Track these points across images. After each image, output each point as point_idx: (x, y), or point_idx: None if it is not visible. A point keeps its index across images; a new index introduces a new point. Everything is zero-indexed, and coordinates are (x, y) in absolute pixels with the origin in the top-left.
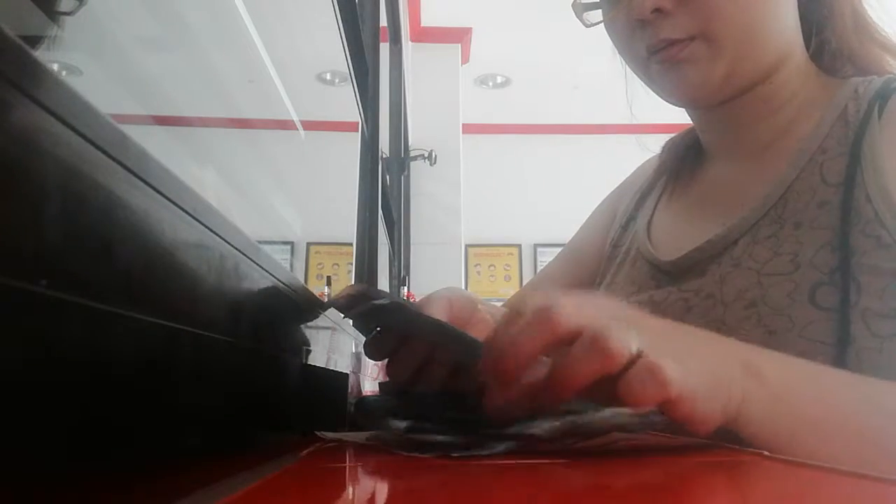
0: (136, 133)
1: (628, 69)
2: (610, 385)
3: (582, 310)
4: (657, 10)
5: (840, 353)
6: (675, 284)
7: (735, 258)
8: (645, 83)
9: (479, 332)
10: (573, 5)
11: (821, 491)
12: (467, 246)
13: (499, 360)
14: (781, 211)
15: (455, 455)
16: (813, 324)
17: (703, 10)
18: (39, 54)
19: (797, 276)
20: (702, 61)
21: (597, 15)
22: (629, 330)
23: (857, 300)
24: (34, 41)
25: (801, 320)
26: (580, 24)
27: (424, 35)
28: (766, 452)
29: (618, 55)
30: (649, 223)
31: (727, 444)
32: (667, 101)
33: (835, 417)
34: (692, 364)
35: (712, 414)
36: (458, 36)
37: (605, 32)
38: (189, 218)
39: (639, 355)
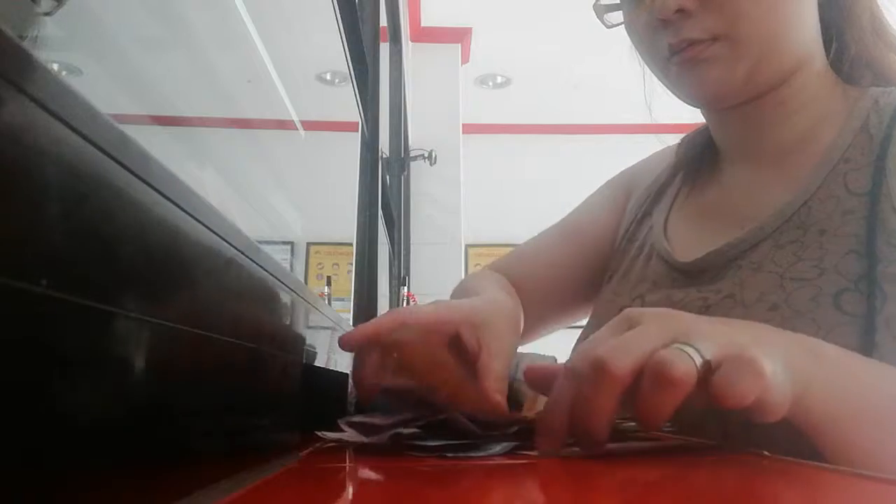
0: (132, 133)
1: (646, 69)
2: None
3: (631, 347)
4: (680, 11)
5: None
6: (694, 285)
7: (756, 262)
8: (663, 83)
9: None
10: (594, 6)
11: (821, 491)
12: (467, 246)
13: (576, 430)
14: (805, 217)
15: (451, 455)
16: (838, 328)
17: (728, 12)
18: (39, 54)
19: (821, 281)
20: (723, 62)
21: (618, 16)
22: (684, 348)
23: (881, 308)
24: (33, 40)
25: (826, 324)
26: (580, 23)
27: (424, 35)
28: (765, 452)
29: (635, 55)
30: (666, 222)
31: (727, 444)
32: (685, 102)
33: (887, 404)
34: (767, 352)
35: (785, 399)
36: (458, 36)
37: (608, 33)
38: (189, 218)
39: (708, 363)
